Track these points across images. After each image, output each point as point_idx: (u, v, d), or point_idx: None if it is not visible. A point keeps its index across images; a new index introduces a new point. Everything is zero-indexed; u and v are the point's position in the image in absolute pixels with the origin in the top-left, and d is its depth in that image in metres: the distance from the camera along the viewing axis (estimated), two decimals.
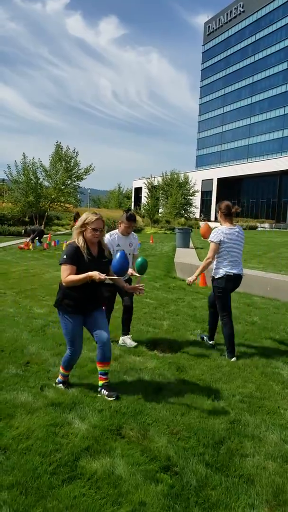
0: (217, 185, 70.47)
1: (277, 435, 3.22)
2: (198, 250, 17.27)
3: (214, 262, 5.07)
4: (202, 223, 6.22)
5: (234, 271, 4.95)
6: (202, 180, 70.83)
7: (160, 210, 52.46)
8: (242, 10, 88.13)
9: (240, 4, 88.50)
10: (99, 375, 3.85)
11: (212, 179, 71.19)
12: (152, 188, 46.63)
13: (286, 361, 4.90)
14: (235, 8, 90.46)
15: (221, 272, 4.96)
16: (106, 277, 3.58)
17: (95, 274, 3.49)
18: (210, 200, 69.35)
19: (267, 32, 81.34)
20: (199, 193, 64.26)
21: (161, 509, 2.38)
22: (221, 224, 5.09)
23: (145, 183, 49.97)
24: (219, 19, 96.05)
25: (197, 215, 56.93)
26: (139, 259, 4.44)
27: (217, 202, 67.67)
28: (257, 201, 69.21)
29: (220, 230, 4.96)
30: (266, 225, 54.84)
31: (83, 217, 3.71)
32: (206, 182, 71.55)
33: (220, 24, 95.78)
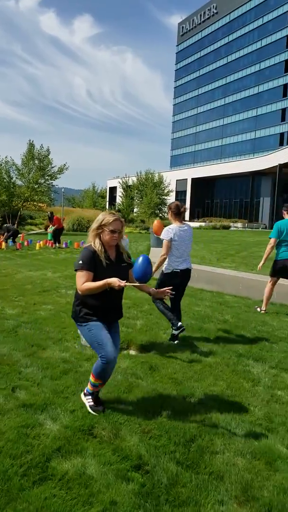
0: (191, 185, 70.97)
1: (247, 432, 3.29)
2: None
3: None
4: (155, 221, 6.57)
5: (181, 267, 5.40)
6: (177, 180, 71.19)
7: (135, 210, 52.54)
8: (215, 11, 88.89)
9: (213, 6, 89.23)
10: (90, 384, 3.48)
11: (186, 179, 71.64)
12: (127, 188, 46.71)
13: (257, 358, 4.99)
14: (208, 9, 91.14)
15: (170, 268, 5.40)
16: (126, 284, 3.21)
17: (115, 281, 3.12)
18: (185, 200, 69.68)
19: (239, 33, 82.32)
20: (174, 193, 64.66)
21: (132, 508, 2.39)
22: (171, 223, 5.49)
23: (119, 182, 49.94)
24: (193, 20, 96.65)
25: None
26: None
27: (191, 202, 68.47)
28: (230, 201, 70.03)
29: (170, 228, 5.37)
30: (239, 224, 55.57)
31: (99, 218, 3.34)
32: (181, 182, 71.96)
33: (194, 25, 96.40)
